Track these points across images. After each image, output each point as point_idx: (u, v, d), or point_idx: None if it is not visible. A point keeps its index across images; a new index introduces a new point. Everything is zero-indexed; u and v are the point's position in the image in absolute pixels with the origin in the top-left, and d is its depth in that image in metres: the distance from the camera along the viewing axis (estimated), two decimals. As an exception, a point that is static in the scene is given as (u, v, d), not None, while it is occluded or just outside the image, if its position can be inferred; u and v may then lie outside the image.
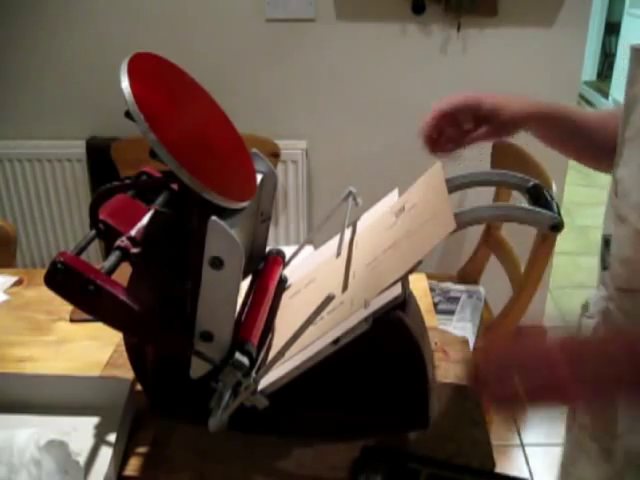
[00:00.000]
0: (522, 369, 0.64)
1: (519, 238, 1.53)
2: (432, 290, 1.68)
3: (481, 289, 1.80)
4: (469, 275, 1.86)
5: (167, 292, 0.71)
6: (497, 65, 1.83)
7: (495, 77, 1.83)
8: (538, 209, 0.66)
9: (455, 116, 0.84)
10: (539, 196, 0.69)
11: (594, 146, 0.85)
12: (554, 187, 1.40)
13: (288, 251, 0.89)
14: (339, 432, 0.77)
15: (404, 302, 0.71)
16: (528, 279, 1.43)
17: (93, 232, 0.70)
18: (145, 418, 0.80)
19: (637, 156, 0.65)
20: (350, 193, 0.85)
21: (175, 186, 0.74)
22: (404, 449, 0.76)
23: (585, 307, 0.83)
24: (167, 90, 0.69)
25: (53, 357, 0.96)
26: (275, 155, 1.86)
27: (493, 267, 1.74)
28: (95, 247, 1.92)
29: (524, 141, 1.68)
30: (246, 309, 0.76)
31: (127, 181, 0.75)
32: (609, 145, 0.76)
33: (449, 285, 1.82)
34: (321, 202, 2.04)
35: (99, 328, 0.74)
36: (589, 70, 5.93)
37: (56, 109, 1.97)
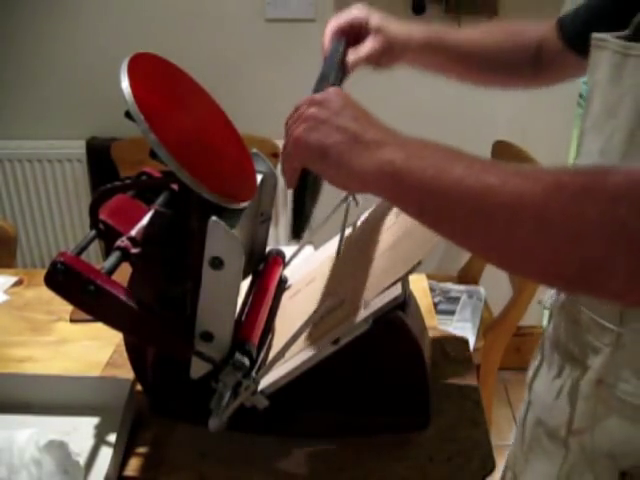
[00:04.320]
0: None
1: (519, 238, 1.53)
2: (432, 290, 1.68)
3: (481, 289, 1.80)
4: (469, 275, 1.86)
5: (167, 292, 0.71)
6: (497, 65, 1.83)
7: (495, 77, 1.83)
8: (538, 209, 0.66)
9: (350, 32, 0.87)
10: (539, 196, 0.69)
11: (483, 62, 0.88)
12: (554, 187, 1.40)
13: (288, 251, 0.89)
14: (339, 432, 0.77)
15: (404, 302, 0.71)
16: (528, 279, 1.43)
17: (93, 232, 0.70)
18: (145, 418, 0.80)
19: (596, 143, 0.64)
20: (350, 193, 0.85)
21: (175, 186, 0.74)
22: None
23: None
24: (167, 90, 0.69)
25: (53, 357, 0.96)
26: (275, 155, 1.86)
27: (493, 267, 1.74)
28: (95, 247, 1.92)
29: (524, 141, 1.68)
30: (246, 309, 0.76)
31: (127, 181, 0.75)
32: (498, 55, 0.85)
33: (449, 285, 1.82)
34: (321, 202, 2.03)
35: (99, 328, 0.74)
36: (589, 70, 5.93)
37: (56, 109, 1.97)
